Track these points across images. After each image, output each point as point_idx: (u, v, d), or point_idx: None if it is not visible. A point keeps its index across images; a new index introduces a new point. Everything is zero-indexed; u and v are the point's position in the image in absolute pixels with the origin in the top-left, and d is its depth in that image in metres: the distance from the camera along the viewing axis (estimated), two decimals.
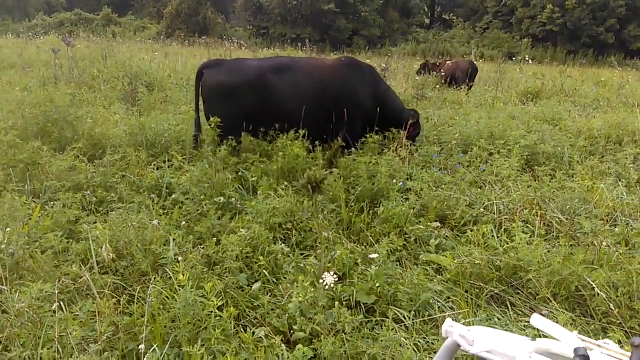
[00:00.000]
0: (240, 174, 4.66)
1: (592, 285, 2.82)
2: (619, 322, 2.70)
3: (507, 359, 0.72)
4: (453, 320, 0.86)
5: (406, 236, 3.80)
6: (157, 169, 4.77)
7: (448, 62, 13.03)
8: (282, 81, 5.30)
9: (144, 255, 2.97)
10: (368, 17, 33.70)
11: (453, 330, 0.81)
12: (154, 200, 3.92)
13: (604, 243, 3.38)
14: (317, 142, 5.24)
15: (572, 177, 4.84)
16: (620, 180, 4.87)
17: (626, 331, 2.65)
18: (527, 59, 17.04)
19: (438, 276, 3.27)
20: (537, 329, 0.70)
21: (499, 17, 35.48)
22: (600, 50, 30.69)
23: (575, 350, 0.61)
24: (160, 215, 3.74)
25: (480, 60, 20.57)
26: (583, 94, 10.80)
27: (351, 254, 3.46)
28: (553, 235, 3.75)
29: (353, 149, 5.36)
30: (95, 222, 3.44)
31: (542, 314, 0.74)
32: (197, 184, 4.16)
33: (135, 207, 3.75)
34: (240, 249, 3.13)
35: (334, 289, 2.86)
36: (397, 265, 3.41)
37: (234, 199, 4.06)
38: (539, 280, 2.85)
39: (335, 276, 2.87)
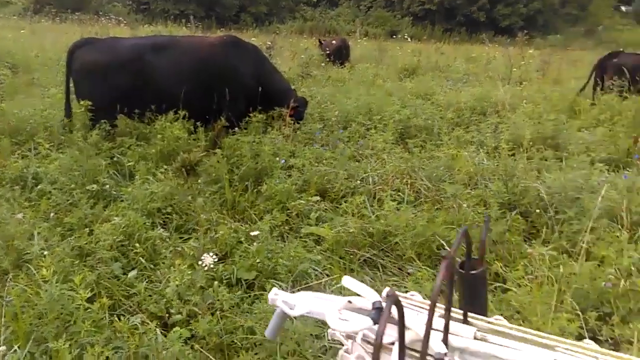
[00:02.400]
0: (115, 159, 4.46)
1: (450, 243, 3.11)
2: None
3: (321, 317, 0.80)
4: (280, 289, 0.93)
5: (288, 211, 3.90)
6: (22, 157, 4.43)
7: (333, 41, 13.31)
8: (160, 60, 5.12)
9: (5, 252, 2.77)
10: None
11: (277, 297, 0.88)
12: (17, 192, 3.64)
13: (464, 205, 3.72)
14: (199, 123, 5.15)
15: (440, 147, 5.22)
16: (482, 148, 5.35)
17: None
18: (405, 37, 17.87)
19: (317, 246, 3.40)
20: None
21: None
22: (473, 28, 32.84)
23: (373, 303, 0.69)
24: (25, 208, 3.49)
25: (365, 38, 21.15)
26: (455, 70, 11.58)
27: (234, 233, 3.49)
28: (421, 201, 4.05)
29: (237, 128, 5.33)
30: None
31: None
32: (67, 173, 3.93)
33: None
34: (115, 237, 3.03)
35: (215, 269, 2.89)
36: (279, 239, 3.50)
37: (108, 186, 3.89)
38: (404, 243, 3.09)
39: (215, 256, 2.89)
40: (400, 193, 4.12)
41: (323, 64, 11.36)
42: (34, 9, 29.54)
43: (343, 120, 6.12)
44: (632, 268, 2.58)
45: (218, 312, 2.45)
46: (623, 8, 44.86)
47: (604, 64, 8.33)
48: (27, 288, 2.38)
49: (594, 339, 2.26)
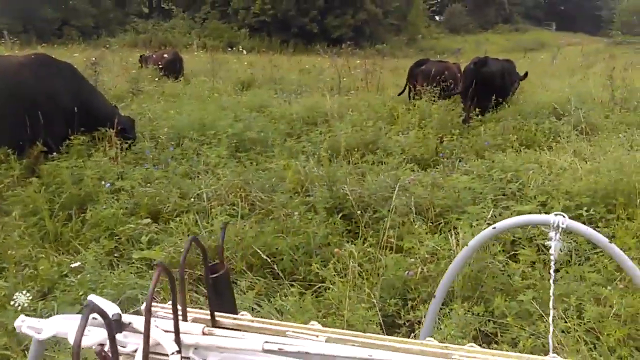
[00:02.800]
0: None
1: (280, 251, 3.29)
2: (301, 277, 3.22)
3: (65, 336, 0.85)
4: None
5: (117, 237, 3.78)
6: None
7: (164, 55, 12.99)
8: None
9: None
10: (77, 6, 30.96)
11: (23, 324, 0.90)
12: None
13: (296, 213, 3.94)
14: (11, 150, 4.72)
15: (272, 158, 5.43)
16: (313, 156, 5.67)
17: (308, 284, 3.17)
18: (240, 49, 18.12)
19: (150, 271, 3.35)
20: None
21: (216, 7, 36.52)
22: (308, 39, 34.40)
23: (111, 316, 0.75)
24: None
25: (202, 51, 20.96)
26: (289, 81, 12.05)
27: (57, 266, 3.30)
28: (255, 213, 4.19)
29: (56, 153, 4.99)
30: None
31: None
32: None
33: None
34: None
35: (33, 307, 2.70)
36: (108, 268, 3.38)
37: None
38: (235, 255, 3.20)
39: (28, 294, 2.70)
40: (235, 207, 4.22)
41: (157, 79, 11.05)
42: None
43: (175, 136, 6.05)
44: (427, 255, 2.98)
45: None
46: (437, 18, 50.65)
47: (414, 71, 9.33)
48: None
49: (393, 323, 2.58)
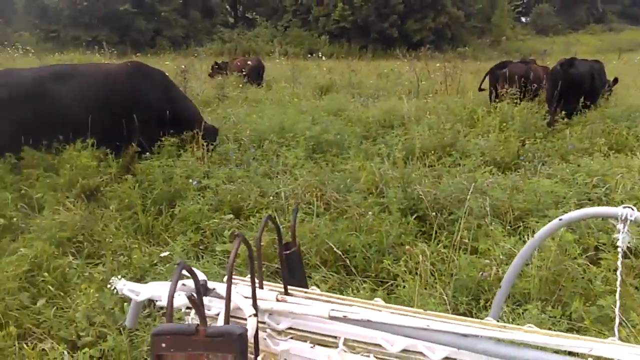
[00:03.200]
0: (22, 191, 4.39)
1: (352, 248, 3.37)
2: (374, 275, 3.28)
3: (159, 300, 0.99)
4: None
5: (202, 231, 4.02)
6: None
7: (248, 62, 13.53)
8: (62, 90, 5.11)
9: None
10: (169, 17, 32.89)
11: (124, 287, 1.05)
12: None
13: (370, 212, 4.01)
14: (109, 150, 5.16)
15: (348, 159, 5.53)
16: (388, 159, 5.71)
17: (379, 281, 3.23)
18: (320, 55, 18.48)
19: None
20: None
21: (297, 15, 37.43)
22: (388, 43, 34.31)
23: (196, 283, 0.85)
24: None
25: (283, 58, 21.56)
26: (367, 86, 12.13)
27: (148, 256, 3.58)
28: (330, 211, 4.30)
29: (149, 153, 5.38)
30: None
31: None
32: None
33: None
34: (21, 268, 3.04)
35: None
36: (193, 259, 3.62)
37: (15, 219, 3.84)
38: (310, 251, 3.31)
39: (123, 279, 2.97)
40: (310, 205, 4.35)
41: (240, 85, 11.54)
42: None
43: (257, 139, 6.31)
44: (502, 257, 2.94)
45: (126, 332, 2.54)
46: (523, 19, 48.64)
47: (495, 73, 9.08)
48: None
49: None
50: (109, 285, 2.86)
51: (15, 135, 4.71)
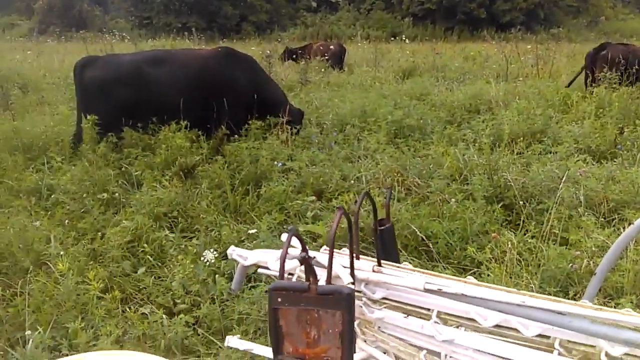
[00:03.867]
0: (123, 169, 4.75)
1: (435, 234, 3.35)
2: (456, 262, 3.25)
3: (265, 265, 1.07)
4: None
5: (286, 212, 4.16)
6: (36, 171, 4.74)
7: (317, 45, 13.66)
8: (158, 74, 5.43)
9: (26, 253, 3.06)
10: (254, 3, 33.58)
11: (234, 252, 1.14)
12: (33, 202, 3.94)
13: (452, 199, 3.96)
14: (200, 132, 5.44)
15: (431, 145, 5.45)
16: (474, 145, 5.56)
17: (461, 268, 3.20)
18: (403, 38, 18.17)
19: (313, 242, 3.65)
20: None
21: None
22: (475, 25, 32.99)
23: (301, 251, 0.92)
24: (42, 217, 3.78)
25: (365, 41, 21.41)
26: (452, 69, 11.80)
27: (236, 233, 3.76)
28: (412, 197, 4.29)
29: (237, 135, 5.61)
30: None
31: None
32: (78, 183, 4.22)
33: (15, 210, 3.77)
34: (124, 239, 3.31)
35: (217, 265, 3.15)
36: (277, 237, 3.76)
37: (117, 194, 4.17)
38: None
39: (215, 253, 3.16)
40: (391, 190, 4.36)
41: (323, 70, 11.64)
42: (39, 29, 30.21)
43: (339, 123, 6.37)
44: (595, 249, 2.80)
45: (218, 301, 2.71)
46: None
47: (594, 56, 8.51)
48: (46, 283, 2.66)
49: None
50: (202, 258, 3.07)
51: (117, 115, 5.08)
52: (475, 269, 3.00)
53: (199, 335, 2.55)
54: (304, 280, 0.84)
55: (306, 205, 4.18)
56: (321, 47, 13.56)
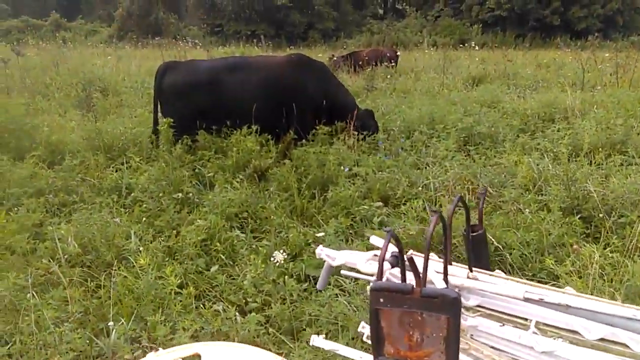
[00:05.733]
0: (196, 170, 4.93)
1: (509, 245, 3.24)
2: (532, 274, 3.13)
3: (354, 266, 1.08)
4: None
5: (352, 217, 4.16)
6: (116, 170, 5.00)
7: (365, 52, 13.77)
8: (233, 80, 5.60)
9: (108, 248, 3.24)
10: (322, 10, 34.01)
11: (322, 252, 1.16)
12: (114, 200, 4.16)
13: (527, 210, 3.82)
14: (270, 136, 5.55)
15: (503, 153, 5.28)
16: (547, 154, 5.34)
17: (537, 281, 3.07)
18: (472, 45, 17.75)
19: None
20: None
21: (449, 4, 36.35)
22: (547, 32, 31.80)
23: (392, 253, 0.93)
24: (122, 214, 3.99)
25: (432, 48, 21.11)
26: (524, 76, 11.40)
27: (303, 236, 3.80)
28: (485, 206, 4.17)
29: (304, 140, 5.68)
30: (60, 223, 3.68)
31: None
32: (155, 182, 4.42)
33: (97, 207, 4.00)
34: (198, 237, 3.43)
35: (285, 266, 3.20)
36: (344, 242, 3.77)
37: (191, 194, 4.33)
38: (461, 243, 3.25)
39: (284, 254, 3.21)
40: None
41: (389, 76, 11.58)
42: (118, 36, 31.99)
43: (406, 129, 6.31)
44: None
45: (288, 301, 2.75)
46: None
47: None
48: (127, 277, 2.80)
49: None
50: (272, 258, 3.12)
51: (193, 119, 5.29)
52: (553, 282, 2.87)
53: (269, 334, 2.59)
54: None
55: (373, 210, 4.16)
56: (370, 53, 13.66)
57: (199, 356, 1.11)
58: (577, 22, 32.68)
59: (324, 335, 1.18)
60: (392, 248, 0.98)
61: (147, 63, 15.51)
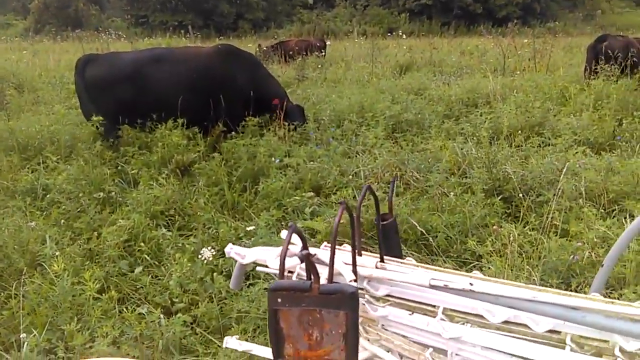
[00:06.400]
0: (119, 168, 4.70)
1: (434, 228, 3.32)
2: (456, 255, 3.22)
3: (264, 263, 1.03)
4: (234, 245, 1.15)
5: (284, 208, 4.12)
6: (32, 171, 4.69)
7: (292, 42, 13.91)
8: (158, 72, 5.38)
9: (21, 255, 3.02)
10: (250, 1, 33.53)
11: (231, 250, 1.11)
12: (28, 203, 3.90)
13: (451, 193, 3.92)
14: (198, 129, 5.40)
15: (429, 139, 5.41)
16: (472, 138, 5.53)
17: (461, 261, 3.16)
18: (400, 34, 18.12)
19: (312, 239, 3.62)
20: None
21: None
22: (471, 20, 32.99)
23: (300, 249, 0.88)
24: (38, 217, 3.74)
25: (362, 38, 21.34)
26: (449, 64, 11.76)
27: (234, 230, 3.72)
28: (411, 191, 4.25)
29: (234, 132, 5.56)
30: None
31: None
32: (74, 182, 4.17)
33: (10, 211, 3.73)
34: (121, 238, 3.27)
35: (215, 263, 3.12)
36: (275, 234, 3.72)
37: (113, 193, 4.13)
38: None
39: (213, 251, 3.13)
40: (389, 185, 4.32)
41: (319, 66, 11.59)
42: (35, 29, 30.11)
43: (336, 119, 6.33)
44: (596, 240, 2.78)
45: (216, 299, 2.68)
46: None
47: (594, 48, 8.48)
48: (42, 284, 2.63)
49: None
50: (199, 256, 3.03)
51: (115, 114, 5.03)
52: (476, 262, 2.97)
53: (197, 334, 2.51)
54: (305, 278, 0.80)
55: (304, 201, 4.15)
56: (299, 43, 13.70)
57: None
58: (498, 9, 34.14)
59: (238, 336, 1.13)
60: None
61: (67, 57, 14.70)
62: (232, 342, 1.08)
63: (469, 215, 3.43)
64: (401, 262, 0.98)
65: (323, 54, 13.73)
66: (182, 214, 3.97)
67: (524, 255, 2.79)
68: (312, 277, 0.73)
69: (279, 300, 0.73)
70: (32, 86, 9.43)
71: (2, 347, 2.29)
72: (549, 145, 5.08)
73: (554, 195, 3.51)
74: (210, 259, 3.01)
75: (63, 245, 3.16)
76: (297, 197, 4.14)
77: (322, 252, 0.98)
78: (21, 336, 2.22)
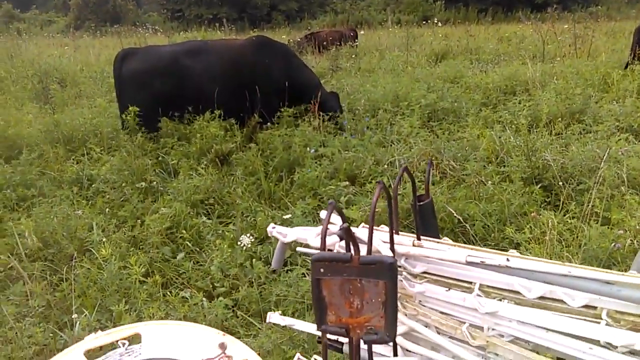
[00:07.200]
0: (160, 158, 4.85)
1: (472, 216, 3.30)
2: (493, 243, 3.20)
3: (305, 241, 1.08)
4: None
5: (320, 197, 4.17)
6: (77, 162, 4.88)
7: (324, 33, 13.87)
8: (195, 64, 5.49)
9: (70, 241, 3.17)
10: None
11: (273, 230, 1.15)
12: (75, 192, 4.07)
13: (489, 182, 3.89)
14: (234, 120, 5.49)
15: (466, 128, 5.35)
16: (510, 126, 5.44)
17: (499, 250, 3.14)
18: (435, 21, 17.83)
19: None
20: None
21: None
22: (509, 6, 32.11)
23: (340, 226, 0.93)
24: (84, 206, 3.90)
25: (396, 26, 21.10)
26: (486, 51, 11.53)
27: (271, 219, 3.80)
28: (447, 180, 4.23)
29: (270, 123, 5.64)
30: (19, 218, 3.58)
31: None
32: (117, 173, 4.33)
33: (57, 200, 3.90)
34: (163, 225, 3.39)
35: (253, 249, 3.20)
36: (312, 222, 3.78)
37: (155, 183, 4.26)
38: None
39: (252, 238, 3.20)
40: (425, 174, 4.30)
41: (353, 56, 11.55)
42: (75, 25, 30.99)
43: (371, 108, 6.32)
44: (638, 227, 2.72)
45: (256, 284, 2.75)
46: None
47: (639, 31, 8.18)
48: (90, 269, 2.76)
49: None
50: (239, 243, 3.11)
51: (154, 106, 5.17)
52: (514, 250, 2.95)
53: (238, 317, 2.60)
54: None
55: (340, 190, 4.18)
56: (331, 34, 13.67)
57: (139, 336, 1.10)
58: None
59: (280, 312, 1.19)
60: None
61: (106, 52, 15.10)
62: (275, 317, 1.13)
63: (507, 203, 3.40)
64: (437, 241, 1.00)
65: (356, 43, 13.66)
66: (221, 203, 4.08)
67: (563, 243, 2.76)
68: (352, 248, 0.77)
69: (322, 270, 0.77)
70: (74, 81, 9.75)
71: (56, 327, 2.43)
72: (590, 132, 4.96)
73: (595, 182, 3.45)
74: (249, 245, 3.09)
75: (109, 232, 3.30)
76: (332, 186, 4.18)
77: (360, 231, 1.02)
78: (73, 316, 2.34)
